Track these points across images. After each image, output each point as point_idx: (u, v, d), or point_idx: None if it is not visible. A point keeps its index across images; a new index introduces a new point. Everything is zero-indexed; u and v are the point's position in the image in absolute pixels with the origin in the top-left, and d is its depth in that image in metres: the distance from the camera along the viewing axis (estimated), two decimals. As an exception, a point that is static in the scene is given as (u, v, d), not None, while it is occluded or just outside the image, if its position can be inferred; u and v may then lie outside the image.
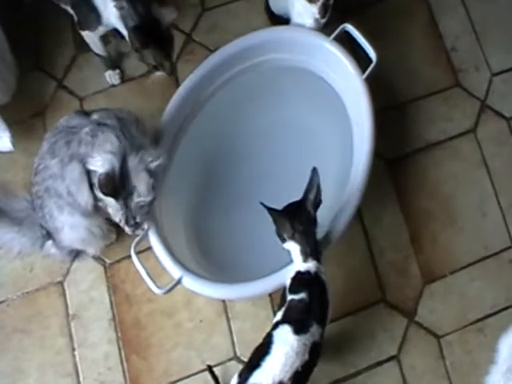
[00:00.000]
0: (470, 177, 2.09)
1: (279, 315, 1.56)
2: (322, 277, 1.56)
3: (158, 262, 1.71)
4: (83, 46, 2.08)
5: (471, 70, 2.20)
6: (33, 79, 2.14)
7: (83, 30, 1.90)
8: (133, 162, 1.61)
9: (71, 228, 1.76)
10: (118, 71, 2.13)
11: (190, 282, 1.67)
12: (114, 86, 2.14)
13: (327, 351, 1.79)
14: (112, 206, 1.63)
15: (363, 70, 1.82)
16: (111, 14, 1.74)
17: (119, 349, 1.88)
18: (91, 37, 1.94)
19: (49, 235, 1.82)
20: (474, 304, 1.95)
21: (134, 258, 1.69)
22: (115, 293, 1.93)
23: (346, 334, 1.90)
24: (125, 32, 1.75)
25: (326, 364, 1.81)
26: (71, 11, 1.88)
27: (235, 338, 1.88)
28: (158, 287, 1.66)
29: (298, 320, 1.53)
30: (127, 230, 1.69)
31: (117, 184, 1.59)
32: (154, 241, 1.72)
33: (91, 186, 1.64)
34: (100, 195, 1.62)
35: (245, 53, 1.93)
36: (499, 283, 1.98)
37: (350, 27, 1.87)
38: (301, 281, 1.56)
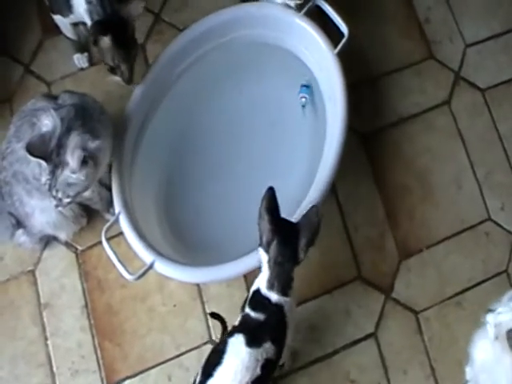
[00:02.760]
0: (445, 150, 2.07)
1: (238, 319, 1.53)
2: (283, 309, 1.49)
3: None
4: (50, 30, 2.05)
5: (445, 42, 2.18)
6: (-1, 65, 2.10)
7: (54, 13, 1.88)
8: (74, 138, 1.56)
9: (42, 212, 1.73)
10: (86, 54, 2.09)
11: (162, 267, 1.64)
12: (82, 69, 2.10)
13: (304, 331, 1.80)
14: (42, 167, 1.57)
15: (335, 45, 1.79)
16: (80, 6, 1.72)
17: (92, 336, 1.86)
18: (62, 21, 1.91)
19: (19, 224, 1.79)
20: (451, 278, 1.94)
21: (105, 244, 1.67)
22: (87, 279, 1.90)
23: (322, 312, 1.89)
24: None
25: (303, 344, 1.82)
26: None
27: (210, 321, 1.85)
28: (129, 273, 1.63)
29: (251, 332, 1.47)
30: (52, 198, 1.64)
31: (48, 149, 1.54)
32: (124, 226, 1.69)
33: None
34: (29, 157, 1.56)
35: (215, 31, 1.90)
36: (476, 256, 1.97)
37: (321, 1, 1.83)
38: (259, 302, 1.50)
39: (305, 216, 1.48)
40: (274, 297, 1.48)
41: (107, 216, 1.88)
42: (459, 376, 1.67)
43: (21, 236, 1.81)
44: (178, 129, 1.98)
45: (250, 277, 1.81)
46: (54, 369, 1.84)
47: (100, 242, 1.71)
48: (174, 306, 1.87)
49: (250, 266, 1.63)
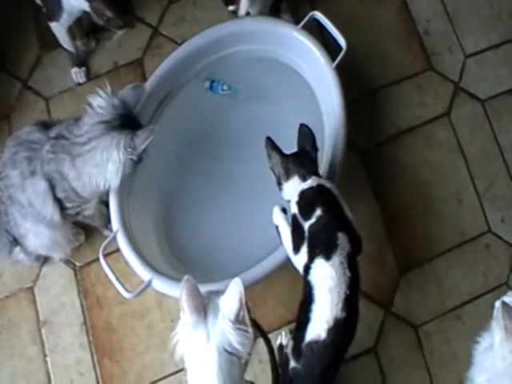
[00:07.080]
0: (445, 162, 2.07)
1: (305, 257, 1.49)
2: (326, 185, 1.52)
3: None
4: (48, 45, 2.07)
5: (444, 53, 2.17)
6: (-3, 81, 2.10)
7: (51, 20, 1.89)
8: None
9: (35, 235, 1.75)
10: (84, 69, 2.10)
11: (160, 285, 1.64)
12: (79, 84, 2.10)
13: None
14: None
15: (333, 58, 1.78)
16: None
17: (91, 353, 1.86)
18: (59, 29, 1.92)
19: (16, 241, 1.80)
20: (451, 291, 1.94)
21: (103, 262, 1.67)
22: (86, 296, 1.91)
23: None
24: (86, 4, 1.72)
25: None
26: (39, 2, 1.87)
27: (209, 336, 1.85)
28: (127, 291, 1.63)
29: (323, 242, 1.46)
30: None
31: None
32: (122, 244, 1.70)
33: (56, 199, 1.65)
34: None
35: (213, 45, 1.90)
36: (476, 269, 1.96)
37: (318, 15, 1.83)
38: (308, 199, 1.51)
39: (299, 135, 1.60)
40: (312, 181, 1.52)
41: (105, 232, 1.88)
42: (460, 391, 1.65)
43: (19, 253, 1.82)
44: (177, 146, 1.99)
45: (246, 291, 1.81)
46: (54, 386, 1.85)
47: (98, 259, 1.71)
48: (172, 321, 1.86)
49: (248, 281, 1.62)
